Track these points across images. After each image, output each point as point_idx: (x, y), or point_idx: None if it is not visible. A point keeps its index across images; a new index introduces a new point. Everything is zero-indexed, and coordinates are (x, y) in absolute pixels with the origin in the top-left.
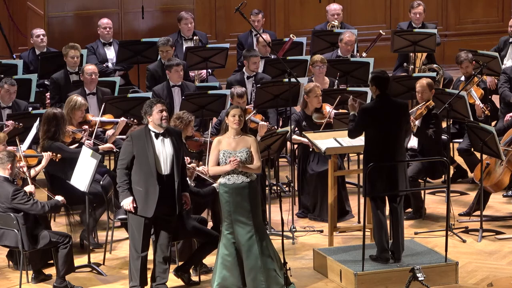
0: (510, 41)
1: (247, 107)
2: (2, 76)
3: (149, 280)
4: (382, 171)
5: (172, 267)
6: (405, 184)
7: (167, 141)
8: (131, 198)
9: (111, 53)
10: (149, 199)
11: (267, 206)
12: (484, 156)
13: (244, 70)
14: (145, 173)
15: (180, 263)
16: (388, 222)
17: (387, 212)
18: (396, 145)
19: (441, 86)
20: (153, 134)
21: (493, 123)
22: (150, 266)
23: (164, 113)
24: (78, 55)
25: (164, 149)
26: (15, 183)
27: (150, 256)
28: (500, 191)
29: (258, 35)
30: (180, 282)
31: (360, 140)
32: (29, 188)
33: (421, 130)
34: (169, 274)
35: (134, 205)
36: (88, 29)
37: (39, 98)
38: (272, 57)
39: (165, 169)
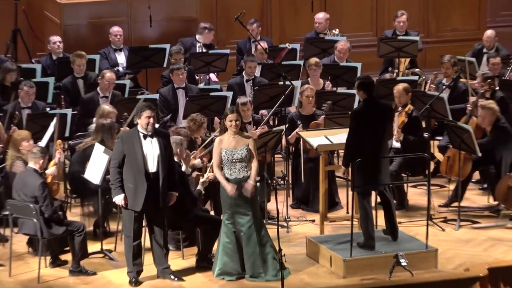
0: (484, 51)
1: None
2: (22, 79)
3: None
4: (370, 166)
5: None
6: (388, 178)
7: (155, 141)
8: (122, 195)
9: (121, 58)
10: (138, 194)
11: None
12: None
13: (243, 73)
14: (134, 171)
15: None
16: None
17: (373, 204)
18: (382, 143)
19: (422, 88)
20: (141, 135)
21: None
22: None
23: (151, 120)
24: (84, 62)
25: (151, 149)
26: (44, 176)
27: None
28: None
29: (256, 42)
30: (182, 265)
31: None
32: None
33: (405, 138)
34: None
35: (125, 202)
36: (101, 36)
37: (56, 99)
38: (269, 62)
39: (152, 167)
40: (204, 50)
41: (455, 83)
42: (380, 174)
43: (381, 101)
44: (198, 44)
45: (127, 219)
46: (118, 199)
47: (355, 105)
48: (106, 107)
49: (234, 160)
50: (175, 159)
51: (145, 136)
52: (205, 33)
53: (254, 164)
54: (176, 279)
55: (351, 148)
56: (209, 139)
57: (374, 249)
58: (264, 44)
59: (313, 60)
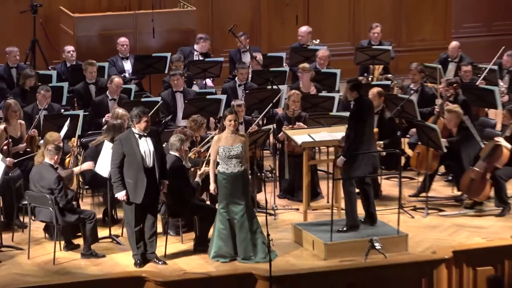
0: (449, 59)
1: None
2: (39, 84)
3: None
4: (363, 158)
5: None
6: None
7: (149, 140)
8: (124, 191)
9: (127, 65)
10: (138, 188)
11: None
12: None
13: (236, 79)
14: (134, 167)
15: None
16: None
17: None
18: (372, 137)
19: (397, 90)
20: (137, 135)
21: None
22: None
23: (148, 123)
24: (95, 70)
25: (147, 147)
26: (57, 170)
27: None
28: (432, 171)
29: (246, 52)
30: (181, 248)
31: (328, 136)
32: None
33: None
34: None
35: (127, 197)
36: (109, 46)
37: (70, 102)
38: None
39: (149, 163)
40: (201, 58)
41: (422, 88)
42: (366, 166)
43: (367, 98)
44: (195, 53)
45: (128, 210)
46: (120, 195)
47: (335, 107)
48: (120, 110)
49: (230, 156)
50: (177, 154)
51: (140, 136)
52: (201, 43)
53: (246, 164)
54: (160, 262)
55: (353, 142)
56: (208, 137)
57: (358, 229)
58: (259, 56)
59: (303, 65)
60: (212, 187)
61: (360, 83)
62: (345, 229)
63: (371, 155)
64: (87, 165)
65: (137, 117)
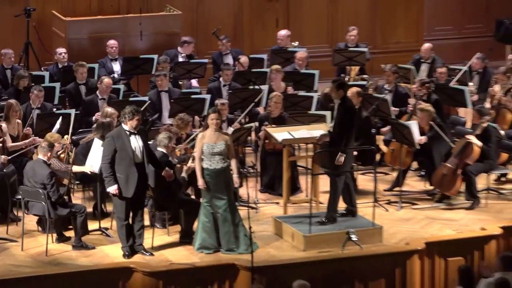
0: (421, 60)
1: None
2: (33, 84)
3: None
4: (349, 154)
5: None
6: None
7: (138, 137)
8: (116, 185)
9: (116, 66)
10: (129, 183)
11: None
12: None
13: (220, 79)
14: (126, 163)
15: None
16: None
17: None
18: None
19: (371, 91)
20: (128, 132)
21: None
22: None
23: (140, 122)
24: (85, 71)
25: (137, 143)
26: (51, 165)
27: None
28: (405, 167)
29: (231, 54)
30: (167, 241)
31: (307, 133)
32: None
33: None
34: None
35: (118, 191)
36: (99, 48)
37: (61, 101)
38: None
39: (139, 158)
40: (186, 60)
41: (396, 88)
42: (350, 161)
43: (349, 97)
44: (180, 55)
45: (119, 204)
46: (112, 189)
47: (314, 106)
48: (109, 109)
49: (213, 153)
50: (164, 151)
51: (130, 134)
52: (185, 46)
53: (234, 162)
54: (148, 254)
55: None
56: (193, 135)
57: (336, 221)
58: (244, 58)
59: (275, 67)
60: (200, 182)
61: (345, 83)
62: (325, 220)
63: (351, 151)
64: (86, 169)
65: (130, 115)
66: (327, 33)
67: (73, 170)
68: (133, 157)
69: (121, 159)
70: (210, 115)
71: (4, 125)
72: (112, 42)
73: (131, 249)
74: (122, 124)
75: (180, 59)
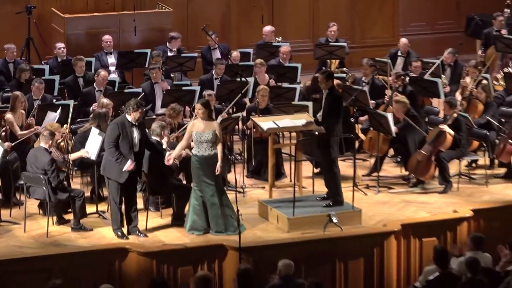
0: (398, 54)
1: None
2: (34, 77)
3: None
4: (341, 141)
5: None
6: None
7: (136, 129)
8: (129, 161)
9: (111, 59)
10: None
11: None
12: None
13: (213, 72)
14: (125, 151)
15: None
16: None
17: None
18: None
19: (349, 83)
20: (130, 123)
21: None
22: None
23: (142, 115)
24: (83, 64)
25: (137, 134)
26: (51, 153)
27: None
28: (382, 153)
29: (219, 49)
30: (160, 223)
31: (291, 122)
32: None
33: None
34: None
35: (133, 166)
36: (96, 43)
37: (61, 93)
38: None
39: (137, 148)
40: (175, 54)
41: (373, 80)
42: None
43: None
44: (170, 49)
45: (114, 188)
46: (127, 166)
47: (296, 97)
48: (105, 100)
49: (201, 141)
50: (158, 139)
51: (132, 125)
52: (172, 41)
53: (219, 147)
54: (142, 235)
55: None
56: (186, 124)
57: (343, 204)
58: (236, 54)
59: (259, 60)
60: (171, 161)
61: (333, 74)
62: (331, 204)
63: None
64: (81, 153)
65: (135, 107)
66: (309, 29)
67: (71, 158)
68: (132, 146)
69: (121, 146)
70: (196, 105)
71: (9, 115)
72: (106, 37)
73: (124, 231)
74: (126, 115)
75: (170, 54)
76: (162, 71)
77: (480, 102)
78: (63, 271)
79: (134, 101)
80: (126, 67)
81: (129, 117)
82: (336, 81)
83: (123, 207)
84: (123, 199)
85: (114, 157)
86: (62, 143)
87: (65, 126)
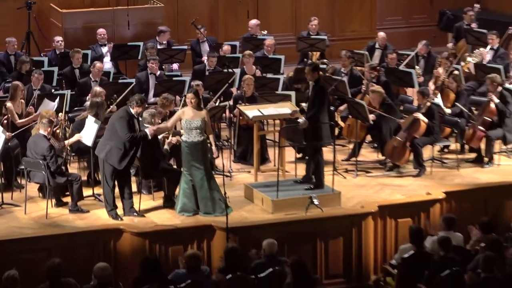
0: (376, 47)
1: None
2: (34, 68)
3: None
4: (326, 128)
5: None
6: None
7: (137, 120)
8: (147, 129)
9: (105, 49)
10: (125, 158)
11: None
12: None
13: (205, 63)
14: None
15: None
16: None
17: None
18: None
19: (329, 74)
20: (132, 116)
21: None
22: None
23: (143, 110)
24: (80, 56)
25: (137, 127)
26: (50, 139)
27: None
28: (360, 139)
29: (207, 42)
30: (152, 205)
31: (275, 111)
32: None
33: None
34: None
35: (154, 129)
36: (91, 36)
37: (59, 83)
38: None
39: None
40: (166, 47)
41: (351, 71)
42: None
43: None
44: (160, 42)
45: (110, 172)
46: (150, 129)
47: (280, 87)
48: (97, 88)
49: (191, 128)
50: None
51: (134, 118)
52: (161, 34)
53: (211, 136)
54: (138, 215)
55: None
56: (176, 112)
57: (324, 187)
58: (227, 47)
59: (247, 52)
60: (148, 130)
61: (318, 66)
62: (312, 187)
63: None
64: (76, 137)
65: (139, 102)
66: (291, 23)
67: (67, 143)
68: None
69: None
70: (187, 95)
71: (9, 104)
72: (101, 30)
73: (117, 212)
74: (129, 108)
75: (159, 47)
76: None
77: (451, 91)
78: (62, 250)
79: (139, 97)
80: (120, 58)
81: (132, 111)
82: None
83: (116, 190)
84: (115, 183)
85: (135, 136)
86: (58, 130)
87: (60, 114)
